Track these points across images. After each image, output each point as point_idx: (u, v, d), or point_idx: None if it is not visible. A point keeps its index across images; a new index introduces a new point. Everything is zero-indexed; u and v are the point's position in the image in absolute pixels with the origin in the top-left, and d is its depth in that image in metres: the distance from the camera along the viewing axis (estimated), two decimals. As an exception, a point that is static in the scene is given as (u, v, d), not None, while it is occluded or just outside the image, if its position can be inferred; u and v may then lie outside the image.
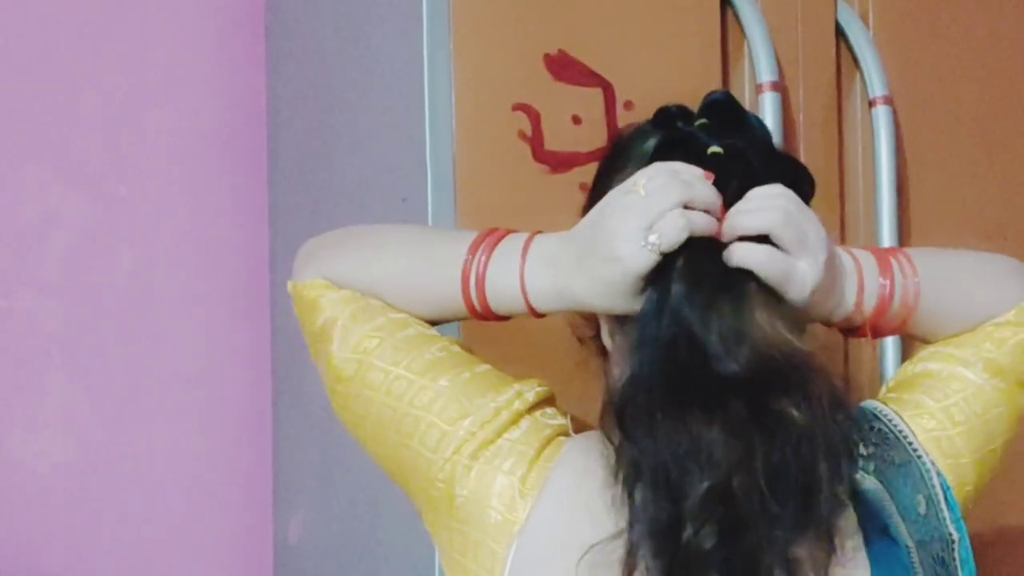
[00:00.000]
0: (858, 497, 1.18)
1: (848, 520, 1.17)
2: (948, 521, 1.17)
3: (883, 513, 1.18)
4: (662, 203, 1.14)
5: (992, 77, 1.88)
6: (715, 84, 1.64)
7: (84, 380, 1.88)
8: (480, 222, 1.49)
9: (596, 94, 1.46)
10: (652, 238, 1.13)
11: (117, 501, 1.90)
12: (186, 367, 1.94)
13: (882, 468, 1.20)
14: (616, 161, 1.28)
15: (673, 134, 1.24)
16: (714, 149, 1.20)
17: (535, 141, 1.53)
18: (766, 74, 1.65)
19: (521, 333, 1.42)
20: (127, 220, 1.92)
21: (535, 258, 1.20)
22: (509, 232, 1.23)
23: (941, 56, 1.83)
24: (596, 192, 1.30)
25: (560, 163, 1.54)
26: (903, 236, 1.75)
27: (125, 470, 1.90)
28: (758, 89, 1.66)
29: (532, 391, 1.21)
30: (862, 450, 1.21)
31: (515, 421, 1.19)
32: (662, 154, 1.22)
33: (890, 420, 1.23)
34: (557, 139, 1.54)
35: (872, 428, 1.23)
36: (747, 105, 1.66)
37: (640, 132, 1.27)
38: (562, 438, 1.20)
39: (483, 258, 1.22)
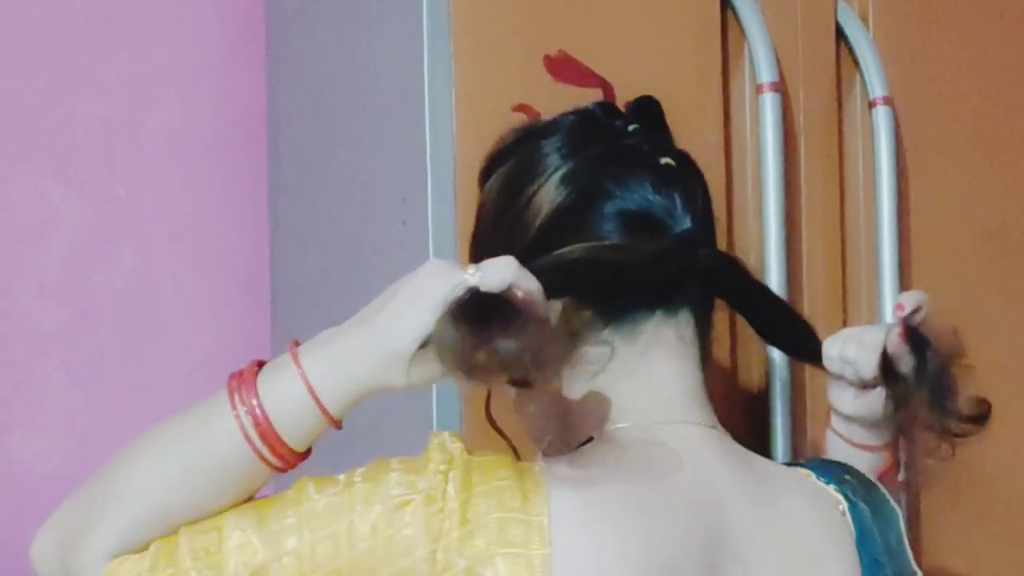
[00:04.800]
0: (853, 514, 1.21)
1: (841, 518, 1.20)
2: (911, 559, 1.23)
3: (873, 542, 1.20)
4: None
5: (992, 77, 1.88)
6: (715, 84, 1.64)
7: (84, 380, 1.88)
8: (480, 222, 1.49)
9: (596, 94, 1.45)
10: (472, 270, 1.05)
11: (117, 501, 1.90)
12: (186, 367, 1.94)
13: (868, 501, 1.23)
14: (537, 163, 1.28)
15: (621, 141, 1.26)
16: (667, 161, 1.24)
17: (535, 141, 1.53)
18: (766, 74, 1.65)
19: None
20: (127, 220, 1.92)
21: (307, 352, 1.08)
22: (258, 363, 1.11)
23: (941, 56, 1.83)
24: (502, 200, 1.30)
25: (560, 163, 1.54)
26: (903, 237, 1.75)
27: (125, 470, 1.90)
28: (758, 89, 1.65)
29: (450, 443, 1.12)
30: (848, 476, 1.25)
31: (466, 470, 1.09)
32: (610, 160, 1.24)
33: (855, 468, 1.29)
34: (557, 139, 1.54)
35: (845, 470, 1.28)
36: (747, 105, 1.67)
37: (572, 126, 1.29)
38: (527, 464, 1.13)
39: (251, 393, 1.08)
